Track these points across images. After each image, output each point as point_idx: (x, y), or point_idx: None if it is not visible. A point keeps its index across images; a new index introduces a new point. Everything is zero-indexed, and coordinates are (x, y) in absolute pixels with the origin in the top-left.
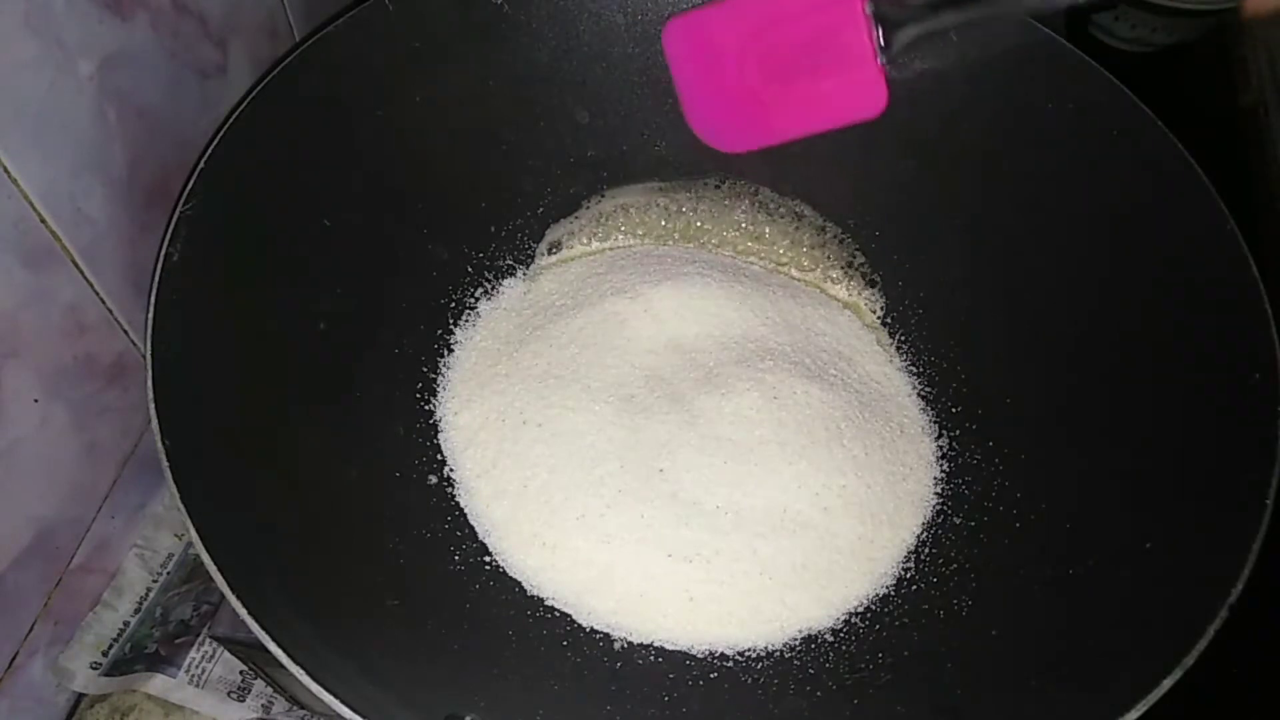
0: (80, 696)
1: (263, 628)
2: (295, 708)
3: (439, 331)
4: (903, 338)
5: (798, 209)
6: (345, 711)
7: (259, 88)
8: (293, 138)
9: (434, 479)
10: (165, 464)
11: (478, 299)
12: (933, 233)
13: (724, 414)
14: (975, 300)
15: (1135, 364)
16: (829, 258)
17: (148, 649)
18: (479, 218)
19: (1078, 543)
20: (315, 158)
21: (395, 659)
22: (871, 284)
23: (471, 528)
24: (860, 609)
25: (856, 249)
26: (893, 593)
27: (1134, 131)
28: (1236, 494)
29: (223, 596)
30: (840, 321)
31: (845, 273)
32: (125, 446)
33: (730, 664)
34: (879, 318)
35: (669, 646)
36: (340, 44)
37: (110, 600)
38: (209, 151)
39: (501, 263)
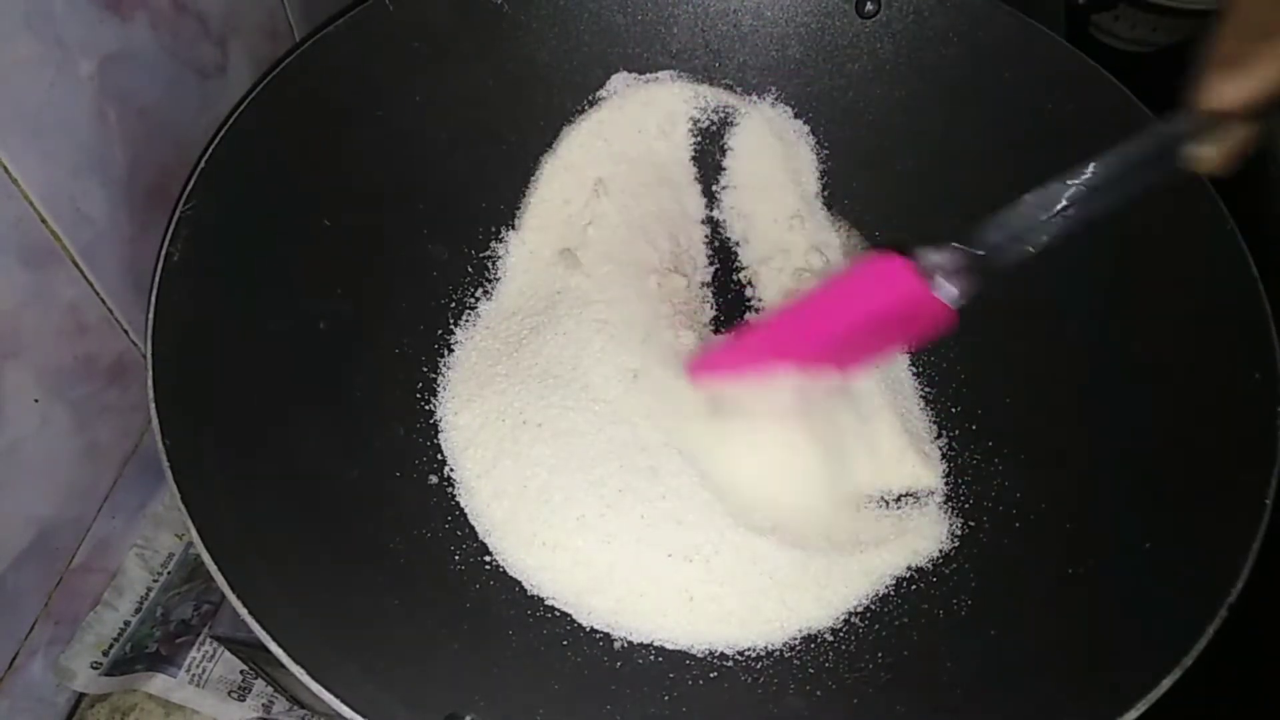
0: (80, 696)
1: (263, 628)
2: (295, 708)
3: (439, 331)
4: None
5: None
6: (345, 711)
7: (259, 88)
8: (293, 138)
9: (434, 479)
10: (165, 464)
11: (478, 299)
12: (933, 234)
13: (725, 414)
14: (976, 301)
15: (1135, 364)
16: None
17: (148, 649)
18: (479, 218)
19: (1078, 543)
20: (315, 158)
21: (395, 659)
22: None
23: (471, 528)
24: (860, 609)
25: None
26: (893, 593)
27: (1134, 131)
28: (1236, 494)
29: (223, 596)
30: None
31: None
32: (125, 446)
33: (730, 664)
34: None
35: (669, 646)
36: (340, 44)
37: (110, 600)
38: (209, 151)
39: (502, 262)
